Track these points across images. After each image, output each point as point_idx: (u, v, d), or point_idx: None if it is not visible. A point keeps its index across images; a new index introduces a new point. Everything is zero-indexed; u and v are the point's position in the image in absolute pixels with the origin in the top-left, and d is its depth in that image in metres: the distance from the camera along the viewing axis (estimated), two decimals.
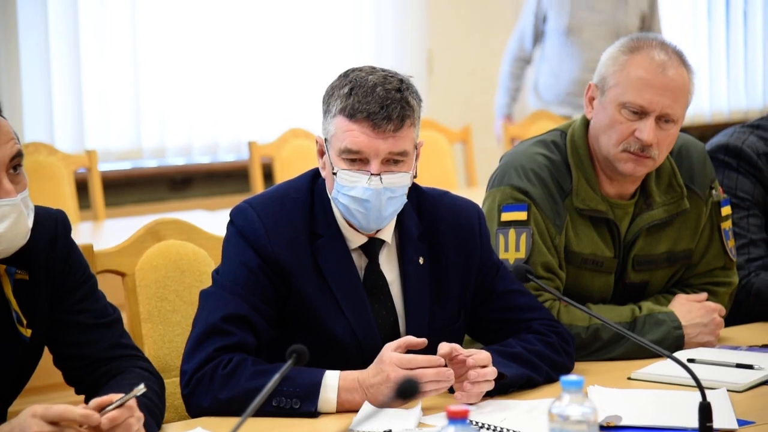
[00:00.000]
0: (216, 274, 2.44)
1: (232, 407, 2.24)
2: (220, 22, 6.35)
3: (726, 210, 2.96)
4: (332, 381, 2.28)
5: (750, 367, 2.54)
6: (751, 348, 2.77)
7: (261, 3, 6.48)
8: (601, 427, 2.12)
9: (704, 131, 7.50)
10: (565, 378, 1.73)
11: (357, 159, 2.34)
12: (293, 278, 2.39)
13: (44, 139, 5.67)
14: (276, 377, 1.94)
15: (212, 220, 4.55)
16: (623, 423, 2.17)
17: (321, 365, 2.30)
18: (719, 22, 8.64)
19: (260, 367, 2.29)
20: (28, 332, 2.20)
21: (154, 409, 2.19)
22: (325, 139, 2.40)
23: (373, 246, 2.46)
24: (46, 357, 2.29)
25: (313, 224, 2.44)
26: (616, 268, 2.84)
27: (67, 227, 2.30)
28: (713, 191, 2.93)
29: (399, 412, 2.23)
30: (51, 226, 2.26)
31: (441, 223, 2.53)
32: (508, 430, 2.16)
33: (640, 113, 2.71)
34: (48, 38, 5.83)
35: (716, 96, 8.64)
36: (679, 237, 2.89)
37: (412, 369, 2.22)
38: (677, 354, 2.55)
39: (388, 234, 2.47)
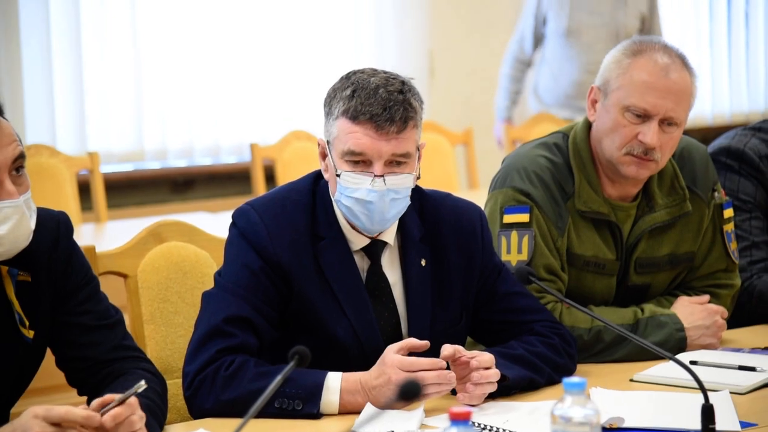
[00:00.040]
0: (218, 275, 2.44)
1: (235, 409, 2.24)
2: (222, 23, 6.36)
3: (728, 212, 2.96)
4: (334, 383, 2.28)
5: (752, 369, 2.54)
6: (753, 350, 2.77)
7: (262, 5, 6.48)
8: (604, 429, 2.12)
9: (706, 134, 7.49)
10: (567, 380, 1.73)
11: (360, 161, 2.35)
12: (295, 280, 2.39)
13: (46, 141, 5.67)
14: (278, 379, 1.94)
15: (214, 221, 4.55)
16: (625, 425, 2.17)
17: (323, 367, 2.31)
18: (721, 24, 8.63)
19: (262, 368, 2.29)
20: (30, 334, 2.20)
21: (156, 411, 2.19)
22: (327, 142, 2.41)
23: (375, 248, 2.46)
24: (49, 358, 2.29)
25: (315, 226, 2.44)
26: (618, 270, 2.84)
27: (69, 229, 2.30)
28: (716, 194, 2.93)
29: (401, 413, 2.23)
30: (53, 227, 2.27)
31: (443, 225, 2.53)
32: (510, 431, 2.16)
33: (644, 116, 2.71)
34: (50, 40, 5.84)
35: (718, 98, 8.64)
36: (681, 239, 2.89)
37: (413, 372, 2.22)
38: (679, 356, 2.55)
39: (390, 236, 2.47)
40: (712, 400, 2.04)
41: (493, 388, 2.32)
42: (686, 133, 2.86)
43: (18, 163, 2.12)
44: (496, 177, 2.86)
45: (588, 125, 2.84)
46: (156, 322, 2.71)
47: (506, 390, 2.37)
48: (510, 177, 2.81)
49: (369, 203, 2.35)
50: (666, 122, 2.71)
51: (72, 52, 5.91)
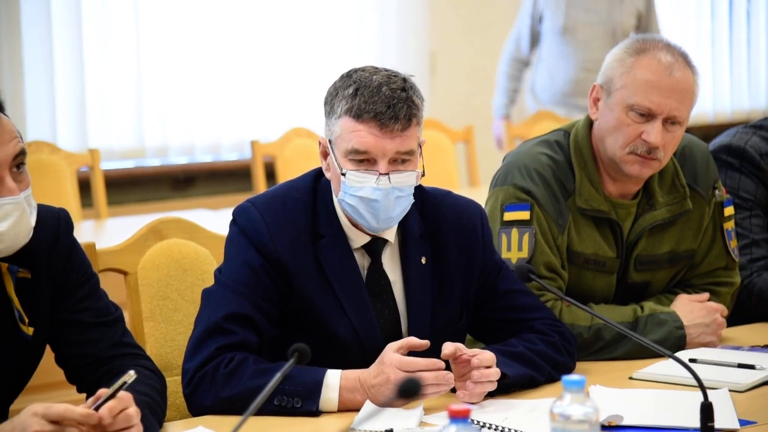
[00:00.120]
0: (218, 272, 2.44)
1: (234, 406, 2.24)
2: (223, 21, 6.35)
3: (729, 210, 2.96)
4: (334, 380, 2.28)
5: (752, 367, 2.54)
6: (752, 348, 2.77)
7: (263, 3, 6.48)
8: (603, 427, 2.12)
9: (707, 131, 7.49)
10: (566, 378, 1.73)
11: (364, 159, 2.34)
12: (295, 278, 2.39)
13: (47, 137, 5.67)
14: (278, 376, 1.94)
15: (214, 219, 4.55)
16: (625, 423, 2.17)
17: (323, 364, 2.31)
18: (722, 22, 8.63)
19: (262, 365, 2.29)
20: (29, 330, 2.20)
21: (155, 408, 2.19)
22: (329, 141, 2.40)
23: (375, 246, 2.46)
24: (48, 355, 2.29)
25: (316, 224, 2.44)
26: (618, 268, 2.84)
27: (69, 226, 2.30)
28: (716, 191, 2.93)
29: (400, 411, 2.23)
30: (53, 224, 2.27)
31: (443, 223, 2.53)
32: (509, 429, 2.16)
33: (648, 115, 2.70)
34: (51, 37, 5.84)
35: (719, 96, 8.64)
36: (681, 237, 2.89)
37: (412, 372, 2.22)
38: (679, 354, 2.55)
39: (391, 233, 2.47)
40: (711, 398, 2.04)
41: (494, 386, 2.32)
42: (688, 130, 2.86)
43: (19, 160, 2.12)
44: (497, 174, 2.86)
45: (589, 123, 2.84)
46: (156, 319, 2.71)
47: (506, 388, 2.37)
48: (511, 174, 2.81)
49: (374, 202, 2.35)
50: (669, 121, 2.71)
51: (73, 49, 5.91)
